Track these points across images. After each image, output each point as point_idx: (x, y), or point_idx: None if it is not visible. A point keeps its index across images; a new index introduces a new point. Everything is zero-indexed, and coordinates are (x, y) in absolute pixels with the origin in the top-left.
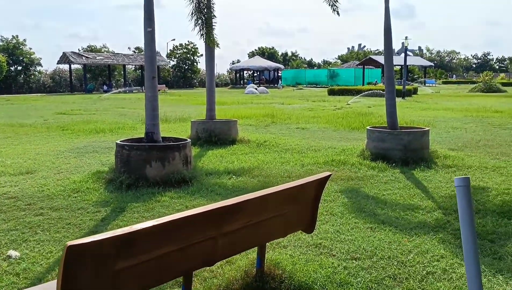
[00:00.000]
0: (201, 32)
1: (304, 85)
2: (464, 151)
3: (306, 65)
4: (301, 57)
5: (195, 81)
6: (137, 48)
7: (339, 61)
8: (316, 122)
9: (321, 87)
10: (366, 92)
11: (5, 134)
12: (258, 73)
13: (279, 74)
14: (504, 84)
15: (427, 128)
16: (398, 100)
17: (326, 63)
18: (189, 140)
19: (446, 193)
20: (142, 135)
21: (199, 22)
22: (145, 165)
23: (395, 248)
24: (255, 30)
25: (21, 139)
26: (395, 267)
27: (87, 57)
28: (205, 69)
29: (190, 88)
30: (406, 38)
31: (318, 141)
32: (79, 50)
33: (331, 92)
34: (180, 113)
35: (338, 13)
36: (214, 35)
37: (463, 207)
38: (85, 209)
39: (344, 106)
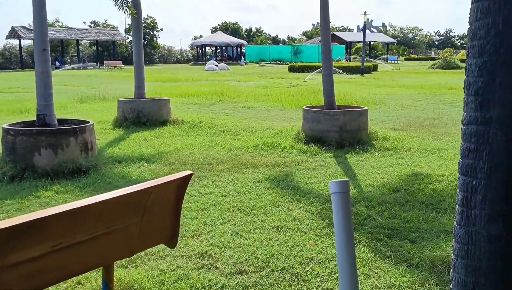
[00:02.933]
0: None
1: (268, 62)
2: (407, 131)
3: (270, 42)
4: (266, 33)
5: (155, 57)
6: (93, 22)
7: (304, 37)
8: (265, 101)
9: (285, 64)
10: (319, 69)
11: None
12: (221, 49)
13: (242, 51)
14: (463, 61)
15: (365, 108)
16: (356, 76)
17: (291, 39)
18: (91, 122)
19: (376, 181)
20: (75, 115)
21: None
22: (33, 153)
23: (294, 255)
24: (224, 5)
25: None
26: (285, 283)
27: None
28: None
29: (150, 65)
30: (365, 13)
31: (260, 121)
32: (29, 25)
33: (292, 69)
34: (122, 91)
35: None
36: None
37: (339, 220)
38: None
39: (300, 84)
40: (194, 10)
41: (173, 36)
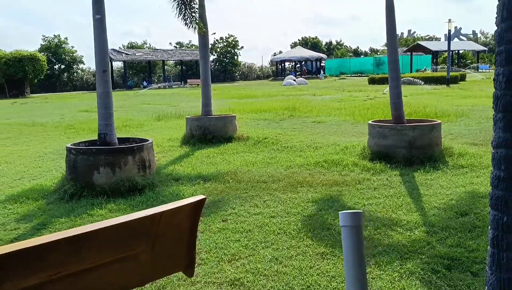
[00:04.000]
0: (185, 17)
1: (348, 75)
2: (487, 147)
3: (351, 54)
4: (346, 46)
5: (236, 74)
6: (178, 43)
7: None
8: (337, 115)
9: (366, 76)
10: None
11: (8, 134)
12: (300, 63)
13: (322, 64)
14: None
15: (437, 121)
16: (441, 87)
17: (373, 51)
18: (150, 141)
19: (442, 203)
20: (149, 132)
21: (181, 6)
22: (92, 171)
23: (333, 287)
24: (303, 20)
25: (19, 139)
26: None
27: (126, 54)
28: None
29: (231, 82)
30: (449, 21)
31: (327, 136)
32: (119, 48)
33: (372, 81)
34: (199, 108)
35: None
36: (197, 18)
37: (349, 257)
38: (5, 225)
39: (378, 96)
40: (275, 27)
41: (255, 53)
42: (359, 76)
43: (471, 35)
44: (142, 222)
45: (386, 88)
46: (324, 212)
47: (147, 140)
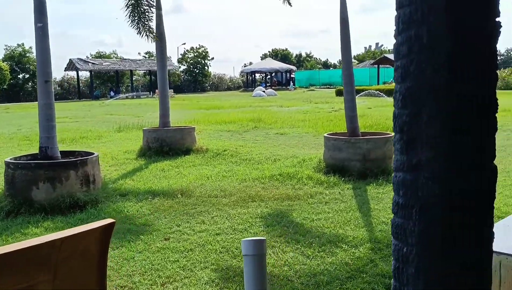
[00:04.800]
0: (138, 25)
1: (318, 86)
2: None
3: (321, 66)
4: (316, 58)
5: (207, 85)
6: (147, 52)
7: (356, 61)
8: (301, 126)
9: (335, 88)
10: (363, 93)
11: None
12: (271, 75)
13: (292, 76)
14: None
15: (391, 134)
16: None
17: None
18: (95, 154)
19: (391, 217)
20: (107, 144)
21: (134, 12)
22: (31, 187)
23: None
24: (277, 32)
25: None
26: None
27: (93, 63)
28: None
29: (201, 92)
30: None
31: (287, 149)
32: (86, 57)
33: (339, 93)
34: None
35: (289, 3)
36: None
37: (250, 286)
38: None
39: (343, 108)
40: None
41: (229, 64)
42: (328, 87)
43: None
44: (39, 249)
45: None
46: (271, 228)
47: (93, 154)
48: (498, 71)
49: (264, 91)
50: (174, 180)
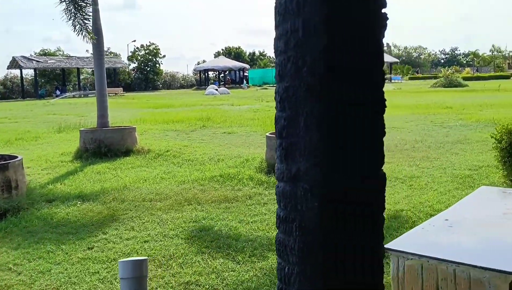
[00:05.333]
0: (74, 23)
1: (271, 85)
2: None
3: (274, 64)
4: (270, 56)
5: (158, 83)
6: None
7: None
8: (250, 125)
9: None
10: None
11: None
12: (224, 73)
13: (245, 74)
14: (468, 79)
15: None
16: None
17: None
18: (19, 158)
19: None
20: (44, 146)
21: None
22: None
23: None
24: (232, 30)
25: None
26: None
27: (38, 61)
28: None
29: (153, 91)
30: None
31: (233, 148)
32: (30, 55)
33: None
34: (114, 119)
35: None
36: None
37: None
38: None
39: None
40: (203, 36)
41: (183, 62)
42: None
43: (386, 48)
44: None
45: None
46: (204, 233)
47: (16, 157)
48: (442, 69)
49: (217, 90)
50: (108, 183)
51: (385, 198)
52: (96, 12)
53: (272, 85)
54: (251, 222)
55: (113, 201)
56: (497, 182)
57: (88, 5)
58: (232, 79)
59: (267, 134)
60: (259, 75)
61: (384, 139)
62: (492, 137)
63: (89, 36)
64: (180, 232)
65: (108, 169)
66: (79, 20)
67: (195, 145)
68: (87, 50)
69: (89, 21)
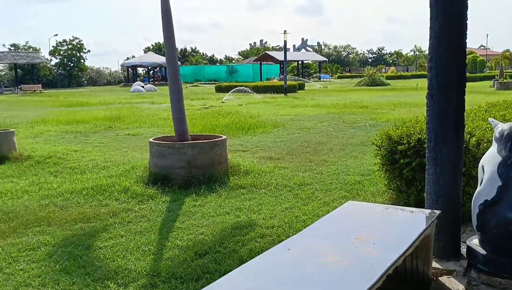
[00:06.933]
0: None
1: (203, 82)
2: (281, 161)
3: (207, 62)
4: (202, 53)
5: (83, 79)
6: (13, 44)
7: (241, 57)
8: (160, 126)
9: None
10: (235, 89)
11: None
12: (154, 69)
13: None
14: (391, 78)
15: (222, 137)
16: (280, 96)
17: (228, 59)
18: None
19: (190, 239)
20: None
21: None
22: None
23: None
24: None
25: None
26: None
27: None
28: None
29: (77, 87)
30: (285, 32)
31: (128, 153)
32: None
33: (219, 89)
34: (15, 119)
35: None
36: None
37: None
38: None
39: (216, 105)
40: (137, 31)
41: (114, 57)
42: (213, 83)
43: (316, 46)
44: None
45: (226, 96)
46: (36, 265)
47: None
48: (365, 68)
49: (143, 86)
50: None
51: (264, 210)
52: None
53: (203, 82)
54: (102, 248)
55: None
56: (382, 189)
57: None
58: (163, 76)
59: (151, 139)
60: (191, 72)
61: (291, 140)
62: (372, 143)
63: None
64: (8, 264)
65: None
66: None
67: (87, 150)
68: (3, 45)
69: None
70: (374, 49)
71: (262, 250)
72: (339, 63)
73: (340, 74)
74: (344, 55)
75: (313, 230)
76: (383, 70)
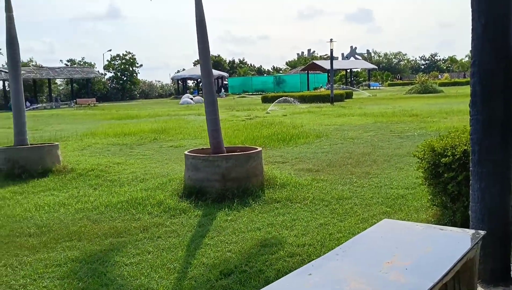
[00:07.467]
0: None
1: (250, 93)
2: (320, 173)
3: (254, 72)
4: (250, 64)
5: (136, 92)
6: (70, 60)
7: (289, 67)
8: (203, 137)
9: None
10: (280, 99)
11: None
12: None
13: (224, 83)
14: (444, 84)
15: (258, 149)
16: (326, 105)
17: (275, 69)
18: None
19: (217, 257)
20: None
21: None
22: None
23: None
24: (216, 38)
25: None
26: None
27: (6, 72)
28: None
29: (130, 100)
30: (331, 40)
31: (168, 165)
32: (2, 66)
33: (265, 100)
34: (64, 132)
35: None
36: None
37: None
38: None
39: (260, 115)
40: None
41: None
42: (261, 94)
43: (366, 54)
44: None
45: (270, 107)
46: (59, 283)
47: None
48: (417, 75)
49: (192, 99)
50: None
51: (298, 226)
52: (9, 19)
53: (251, 93)
54: (128, 264)
55: None
56: (426, 205)
57: None
58: None
59: (186, 152)
60: (239, 83)
61: (333, 151)
62: (414, 155)
63: None
64: (32, 281)
65: (13, 194)
66: None
67: (130, 162)
68: (61, 60)
69: None
70: (427, 56)
71: (290, 270)
72: (390, 70)
73: (391, 82)
74: (395, 62)
75: (340, 252)
76: (439, 76)
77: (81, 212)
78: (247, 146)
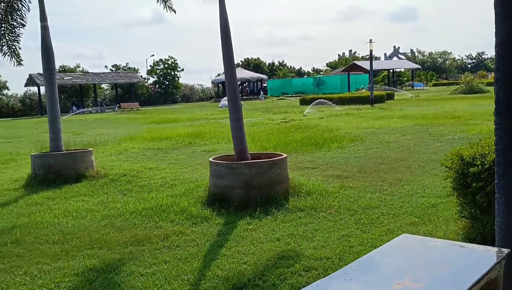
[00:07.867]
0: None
1: (289, 95)
2: (350, 180)
3: (294, 74)
4: (289, 66)
5: (177, 96)
6: (114, 65)
7: (329, 68)
8: None
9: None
10: (316, 101)
11: None
12: (242, 85)
13: (264, 85)
14: (492, 84)
15: (282, 156)
16: (366, 107)
17: (315, 71)
18: None
19: (232, 268)
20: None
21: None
22: None
23: None
24: (255, 40)
25: None
26: None
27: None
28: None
29: (172, 104)
30: (370, 41)
31: (198, 169)
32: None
33: (303, 102)
34: (108, 136)
35: (173, 11)
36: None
37: None
38: None
39: (296, 118)
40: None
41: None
42: (300, 96)
43: (409, 54)
44: None
45: (307, 109)
46: None
47: None
48: (462, 75)
49: None
50: (26, 219)
51: (319, 237)
52: (45, 29)
53: (290, 95)
54: (143, 275)
55: (9, 244)
56: (456, 217)
57: (18, 27)
58: (251, 90)
59: (211, 159)
60: (278, 86)
61: (367, 156)
62: (442, 164)
63: (18, 60)
64: None
65: (46, 199)
66: (5, 43)
67: (161, 167)
68: (106, 66)
69: (19, 42)
70: (474, 54)
71: (304, 285)
72: (435, 70)
73: (436, 82)
74: (440, 61)
75: (349, 271)
76: (488, 75)
77: (107, 219)
78: (272, 152)
